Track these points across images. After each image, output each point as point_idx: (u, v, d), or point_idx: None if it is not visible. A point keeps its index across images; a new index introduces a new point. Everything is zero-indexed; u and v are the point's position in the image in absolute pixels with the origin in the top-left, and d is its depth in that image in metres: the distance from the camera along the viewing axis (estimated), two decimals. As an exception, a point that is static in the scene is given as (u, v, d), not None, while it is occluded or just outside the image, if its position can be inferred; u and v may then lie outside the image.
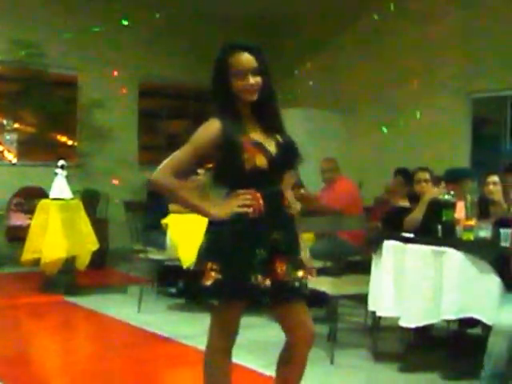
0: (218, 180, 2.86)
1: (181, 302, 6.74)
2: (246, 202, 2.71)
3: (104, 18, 9.77)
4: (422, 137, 8.95)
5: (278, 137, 2.81)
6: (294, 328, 2.81)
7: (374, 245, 4.76)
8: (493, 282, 4.11)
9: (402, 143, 9.13)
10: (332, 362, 4.63)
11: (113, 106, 9.74)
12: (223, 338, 2.84)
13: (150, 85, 10.52)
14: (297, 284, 2.76)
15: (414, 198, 5.26)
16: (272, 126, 2.82)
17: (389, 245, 4.57)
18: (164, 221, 6.42)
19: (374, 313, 4.81)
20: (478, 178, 5.79)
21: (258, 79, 2.73)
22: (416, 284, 4.31)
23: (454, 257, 4.17)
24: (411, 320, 4.36)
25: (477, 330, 4.75)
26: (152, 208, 6.75)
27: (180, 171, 2.77)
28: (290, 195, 2.97)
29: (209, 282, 2.72)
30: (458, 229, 4.54)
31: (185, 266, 6.10)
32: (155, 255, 6.53)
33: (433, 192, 5.07)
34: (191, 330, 5.60)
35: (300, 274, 2.79)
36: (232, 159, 2.71)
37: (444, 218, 4.62)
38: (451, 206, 4.67)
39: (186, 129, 11.02)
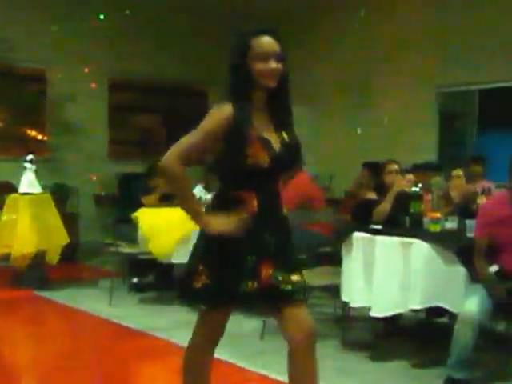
0: (214, 172, 2.74)
1: (152, 296, 6.76)
2: (239, 225, 2.57)
3: (73, 11, 9.69)
4: (391, 130, 9.04)
5: (285, 135, 2.68)
6: (288, 333, 2.66)
7: (343, 236, 4.82)
8: (458, 272, 4.22)
9: (371, 137, 9.22)
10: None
11: (83, 100, 9.68)
12: (207, 339, 2.80)
13: (121, 79, 10.46)
14: (289, 287, 2.63)
15: (382, 191, 5.34)
16: (282, 121, 2.70)
17: (358, 236, 4.64)
18: (134, 214, 6.43)
19: (343, 303, 4.88)
20: (445, 171, 5.91)
21: (280, 65, 2.61)
22: (385, 275, 4.39)
23: (421, 248, 4.26)
24: (381, 310, 4.44)
25: (444, 319, 4.85)
26: (123, 201, 6.75)
27: (188, 158, 2.58)
28: None
29: (198, 285, 2.63)
30: (425, 220, 4.63)
31: (159, 260, 6.15)
32: (126, 249, 6.54)
33: (400, 184, 5.15)
34: (163, 322, 5.62)
35: (294, 277, 2.65)
36: (235, 151, 2.57)
37: (411, 210, 4.72)
38: (418, 198, 4.77)
39: (157, 123, 11.03)
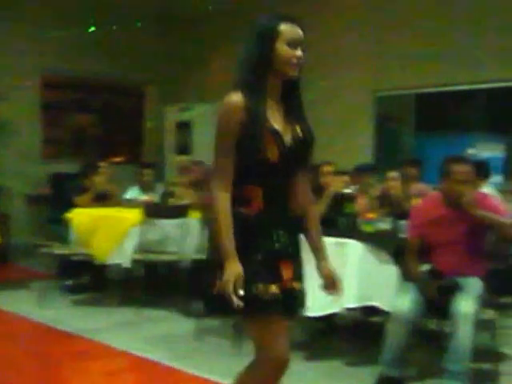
0: None
1: (86, 297, 6.64)
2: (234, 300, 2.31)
3: (6, 8, 9.46)
4: (328, 132, 9.09)
5: (297, 128, 2.53)
6: (268, 346, 2.48)
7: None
8: (391, 271, 4.28)
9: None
10: (239, 352, 4.67)
11: (15, 98, 9.46)
12: (271, 353, 2.50)
13: (54, 77, 10.25)
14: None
15: (318, 192, 5.37)
16: (296, 114, 2.55)
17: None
18: (68, 215, 6.31)
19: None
20: (381, 173, 5.98)
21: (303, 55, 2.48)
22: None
23: (355, 248, 4.30)
24: (316, 309, 4.44)
25: (378, 318, 4.91)
26: (55, 201, 6.62)
27: (230, 176, 2.42)
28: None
29: (215, 291, 2.38)
30: (360, 221, 4.68)
31: (94, 261, 6.06)
32: (59, 249, 6.41)
33: (335, 185, 5.20)
34: (96, 324, 5.53)
35: (297, 285, 2.53)
36: (245, 143, 2.39)
37: (346, 211, 4.77)
38: (352, 199, 4.82)
39: (92, 122, 10.87)
